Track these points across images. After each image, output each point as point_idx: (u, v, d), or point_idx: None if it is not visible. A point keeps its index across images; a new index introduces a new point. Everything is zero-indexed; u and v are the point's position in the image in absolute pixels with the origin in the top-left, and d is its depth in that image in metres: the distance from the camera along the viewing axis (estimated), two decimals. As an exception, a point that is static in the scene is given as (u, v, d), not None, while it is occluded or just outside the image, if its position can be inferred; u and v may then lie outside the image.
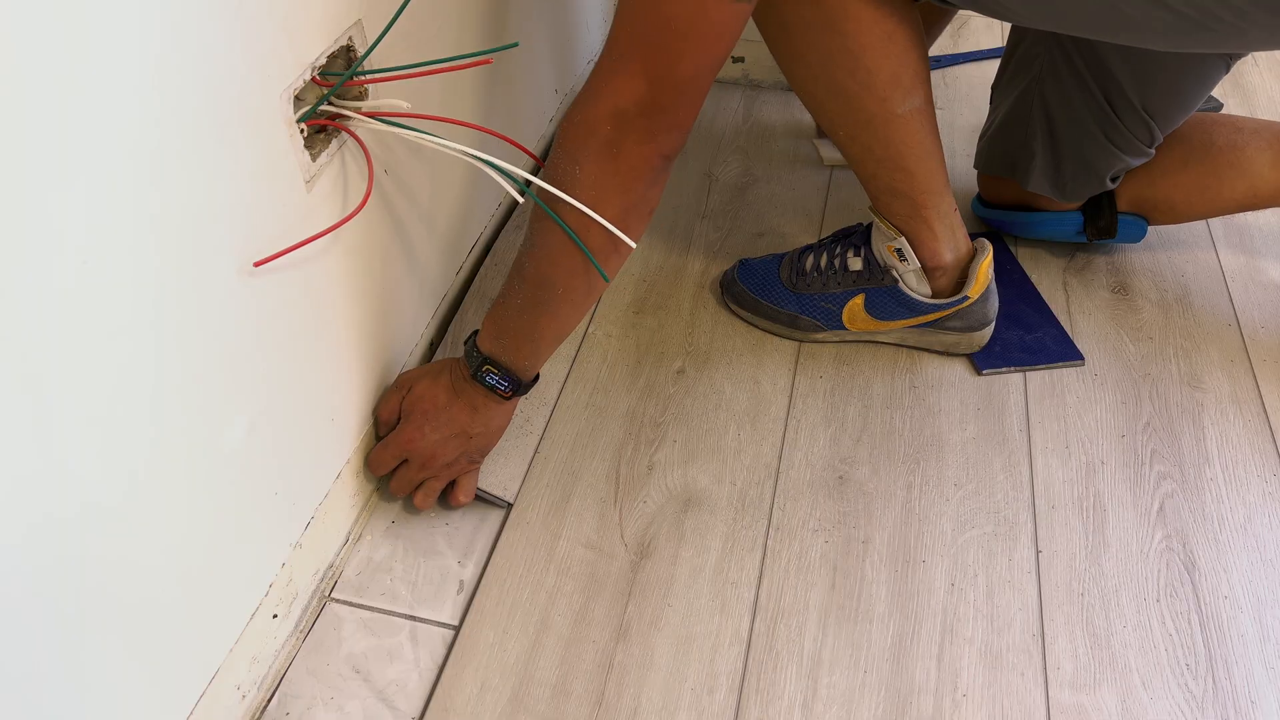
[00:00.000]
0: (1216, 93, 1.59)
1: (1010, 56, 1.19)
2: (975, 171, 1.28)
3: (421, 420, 0.90)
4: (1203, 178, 1.16)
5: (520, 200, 0.80)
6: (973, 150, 1.28)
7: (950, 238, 1.03)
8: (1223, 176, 1.16)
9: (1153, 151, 1.12)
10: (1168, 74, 1.05)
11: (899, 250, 1.03)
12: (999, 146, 1.21)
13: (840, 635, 0.87)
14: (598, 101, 0.78)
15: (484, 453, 0.94)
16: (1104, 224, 1.20)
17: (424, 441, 0.90)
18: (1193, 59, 1.03)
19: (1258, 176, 1.15)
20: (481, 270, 1.19)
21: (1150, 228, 1.23)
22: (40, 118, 0.50)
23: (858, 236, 1.10)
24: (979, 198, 1.29)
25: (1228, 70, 1.06)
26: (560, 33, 1.36)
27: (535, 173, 1.29)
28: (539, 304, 0.86)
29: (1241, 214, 1.32)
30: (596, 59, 0.79)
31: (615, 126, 0.77)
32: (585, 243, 0.81)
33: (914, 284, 1.06)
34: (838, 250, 1.10)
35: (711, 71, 0.79)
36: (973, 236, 1.07)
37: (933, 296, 1.06)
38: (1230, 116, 1.18)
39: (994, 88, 1.23)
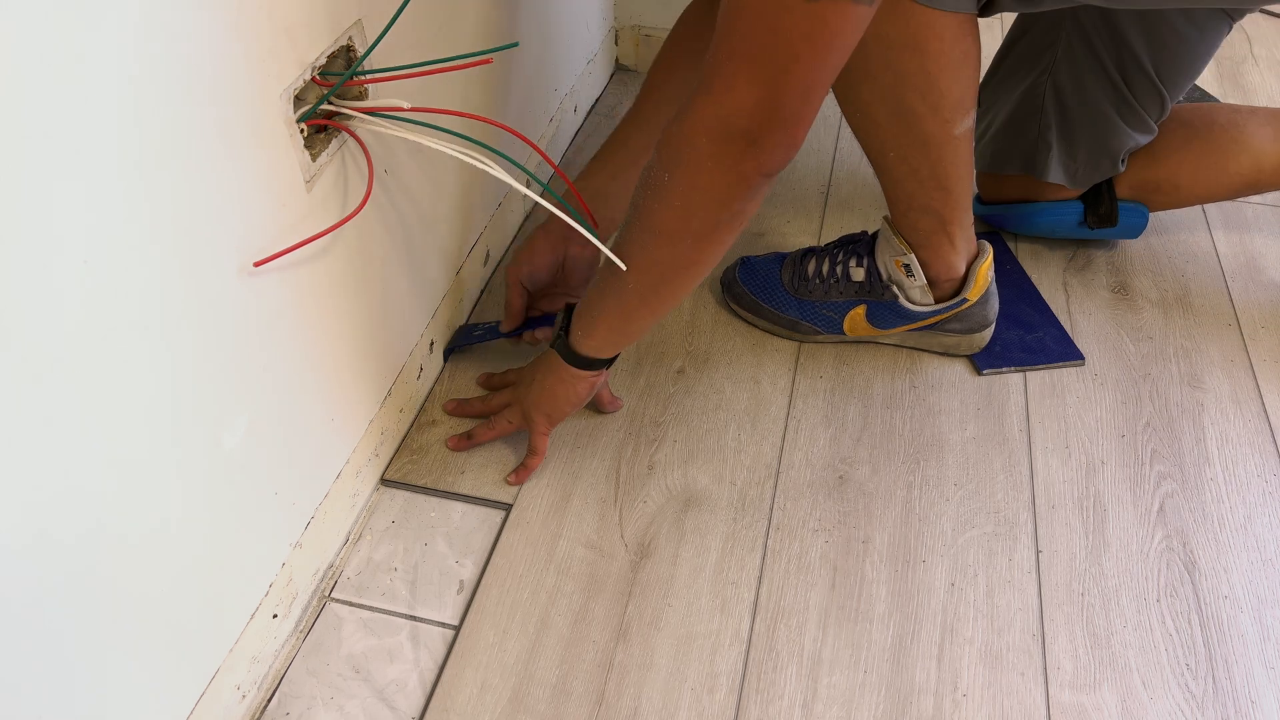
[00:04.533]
0: (1215, 91, 1.59)
1: (1005, 56, 1.19)
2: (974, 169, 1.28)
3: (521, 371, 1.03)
4: (1206, 154, 1.17)
5: (525, 192, 0.80)
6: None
7: (966, 249, 1.03)
8: (1226, 152, 1.17)
9: (1157, 128, 1.14)
10: (1178, 36, 1.07)
11: (907, 265, 1.02)
12: (1005, 144, 1.21)
13: (840, 635, 0.87)
14: (696, 113, 0.72)
15: (545, 417, 0.96)
16: (1104, 211, 1.21)
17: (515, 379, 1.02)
18: (1201, 19, 1.05)
19: (1260, 151, 1.16)
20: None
21: (1151, 222, 1.23)
22: (38, 118, 0.50)
23: (862, 245, 1.08)
24: (977, 197, 1.29)
25: (1229, 30, 1.08)
26: (561, 32, 1.36)
27: (543, 176, 1.29)
28: (629, 311, 0.86)
29: (1241, 214, 1.32)
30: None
31: (714, 140, 0.72)
32: (672, 247, 0.79)
33: (918, 298, 1.05)
34: (840, 258, 1.09)
35: (827, 83, 0.71)
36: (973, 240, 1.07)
37: (935, 300, 1.06)
38: (1230, 104, 1.20)
39: (983, 88, 1.23)
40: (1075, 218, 1.22)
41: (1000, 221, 1.27)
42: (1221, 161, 1.17)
